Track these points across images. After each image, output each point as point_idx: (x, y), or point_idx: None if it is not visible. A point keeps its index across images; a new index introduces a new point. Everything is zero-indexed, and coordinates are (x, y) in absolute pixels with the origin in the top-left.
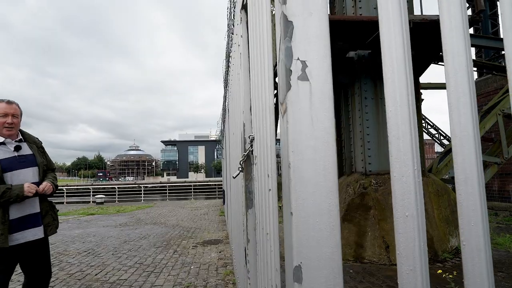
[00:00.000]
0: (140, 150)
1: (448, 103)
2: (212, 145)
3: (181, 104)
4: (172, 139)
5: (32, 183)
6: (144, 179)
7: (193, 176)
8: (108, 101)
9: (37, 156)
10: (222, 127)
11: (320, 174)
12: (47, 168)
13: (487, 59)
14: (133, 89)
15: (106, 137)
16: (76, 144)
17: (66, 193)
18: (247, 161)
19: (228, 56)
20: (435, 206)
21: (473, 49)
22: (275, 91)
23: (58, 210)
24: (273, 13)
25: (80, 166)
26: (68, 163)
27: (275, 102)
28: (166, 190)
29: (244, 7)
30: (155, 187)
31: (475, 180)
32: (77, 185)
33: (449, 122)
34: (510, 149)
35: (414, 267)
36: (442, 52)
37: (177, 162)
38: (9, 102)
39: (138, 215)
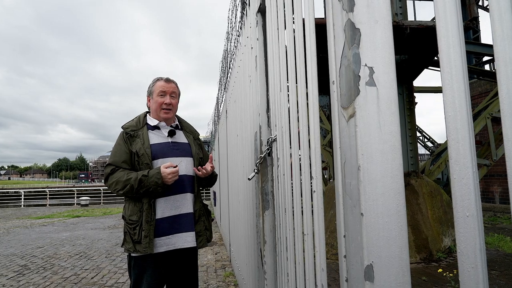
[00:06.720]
0: None
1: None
2: None
3: None
4: None
5: (182, 175)
6: None
7: None
8: (89, 101)
9: (193, 147)
10: (214, 129)
11: (388, 176)
12: (203, 163)
13: (473, 64)
14: (115, 90)
15: (87, 138)
16: (56, 145)
17: (49, 195)
18: (263, 163)
19: (227, 58)
20: (429, 207)
21: None
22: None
23: (213, 219)
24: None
25: (61, 167)
26: (49, 164)
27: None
28: None
29: (261, 10)
30: None
31: None
32: (59, 187)
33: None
34: (499, 151)
35: (475, 265)
36: (436, 57)
37: None
38: (168, 80)
39: None
